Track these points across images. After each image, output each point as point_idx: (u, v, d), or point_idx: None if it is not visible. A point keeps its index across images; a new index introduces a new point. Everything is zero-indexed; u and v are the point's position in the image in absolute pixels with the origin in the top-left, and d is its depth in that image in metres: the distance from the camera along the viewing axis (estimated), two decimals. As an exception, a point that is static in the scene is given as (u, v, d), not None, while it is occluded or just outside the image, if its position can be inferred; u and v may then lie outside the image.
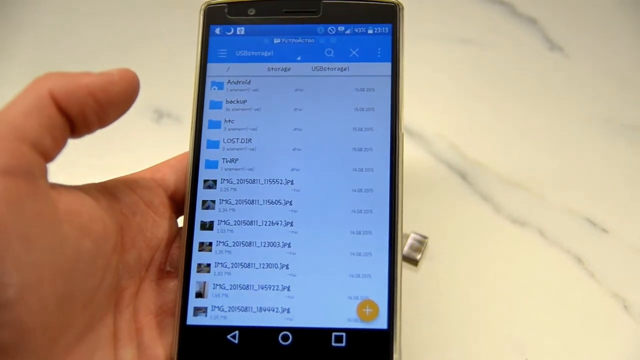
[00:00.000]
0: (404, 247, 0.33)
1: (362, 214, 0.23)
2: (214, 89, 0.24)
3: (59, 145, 0.18)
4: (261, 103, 0.24)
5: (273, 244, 0.23)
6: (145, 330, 0.21)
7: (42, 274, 0.16)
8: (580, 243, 0.34)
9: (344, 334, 0.21)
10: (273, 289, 0.22)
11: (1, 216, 0.15)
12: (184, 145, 0.24)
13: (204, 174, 0.24)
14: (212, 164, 0.24)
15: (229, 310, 0.22)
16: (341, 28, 0.25)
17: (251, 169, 0.24)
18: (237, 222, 0.23)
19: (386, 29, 0.25)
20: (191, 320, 0.22)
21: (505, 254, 0.34)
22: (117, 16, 0.45)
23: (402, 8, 0.25)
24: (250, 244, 0.23)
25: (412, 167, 0.38)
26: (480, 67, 0.41)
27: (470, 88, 0.41)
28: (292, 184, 0.23)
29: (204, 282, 0.22)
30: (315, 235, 0.23)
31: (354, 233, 0.23)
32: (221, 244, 0.23)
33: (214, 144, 0.24)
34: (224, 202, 0.23)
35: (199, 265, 0.22)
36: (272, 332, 0.22)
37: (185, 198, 0.23)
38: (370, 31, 0.25)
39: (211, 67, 0.25)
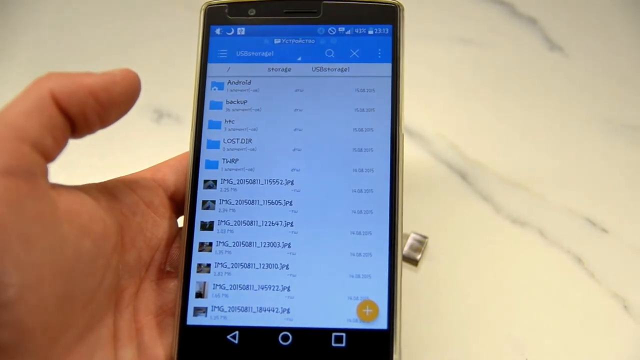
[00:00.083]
0: (404, 247, 0.33)
1: (362, 214, 0.23)
2: (214, 89, 0.24)
3: (59, 146, 0.18)
4: (261, 103, 0.24)
5: (273, 244, 0.23)
6: (145, 330, 0.21)
7: (42, 274, 0.16)
8: (580, 243, 0.34)
9: (344, 334, 0.21)
10: (273, 289, 0.22)
11: (1, 216, 0.15)
12: (184, 145, 0.24)
13: (204, 174, 0.24)
14: (212, 164, 0.24)
15: (229, 311, 0.22)
16: (341, 29, 0.25)
17: (251, 169, 0.24)
18: (237, 223, 0.23)
19: (386, 29, 0.25)
20: (191, 320, 0.22)
21: (505, 254, 0.34)
22: (117, 16, 0.45)
23: (403, 9, 0.25)
24: (250, 244, 0.23)
25: (412, 167, 0.38)
26: (480, 67, 0.41)
27: (470, 88, 0.41)
28: (292, 184, 0.23)
29: (204, 282, 0.22)
30: (315, 236, 0.23)
31: (354, 233, 0.23)
32: (221, 244, 0.23)
33: (214, 144, 0.24)
34: (224, 202, 0.23)
35: (199, 265, 0.23)
36: (272, 333, 0.22)
37: (185, 198, 0.23)
38: (370, 32, 0.25)
39: (211, 68, 0.25)
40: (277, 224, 0.23)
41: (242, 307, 0.22)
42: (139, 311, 0.21)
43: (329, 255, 0.22)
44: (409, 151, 0.38)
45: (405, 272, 0.33)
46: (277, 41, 0.25)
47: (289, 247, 0.23)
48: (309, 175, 0.23)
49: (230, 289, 0.22)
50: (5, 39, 0.44)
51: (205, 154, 0.24)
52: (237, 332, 0.22)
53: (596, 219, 0.35)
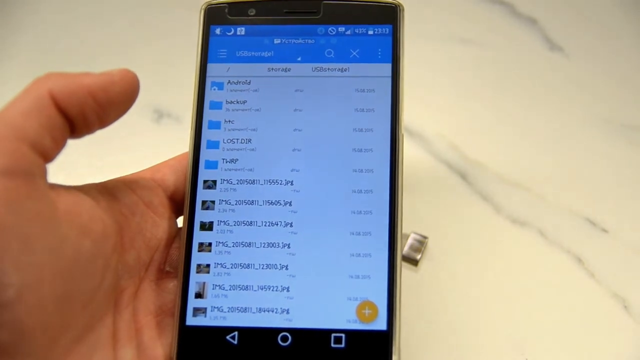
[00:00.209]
0: (404, 247, 0.33)
1: (361, 214, 0.23)
2: (214, 89, 0.24)
3: (58, 146, 0.18)
4: (261, 103, 0.24)
5: (272, 245, 0.23)
6: (145, 330, 0.21)
7: (42, 274, 0.16)
8: (580, 243, 0.34)
9: (343, 335, 0.21)
10: (272, 290, 0.22)
11: (0, 216, 0.15)
12: (184, 146, 0.24)
13: (203, 174, 0.24)
14: (212, 165, 0.24)
15: (228, 311, 0.22)
16: (341, 29, 0.25)
17: (251, 170, 0.24)
18: (237, 223, 0.23)
19: (386, 29, 0.25)
20: (190, 320, 0.22)
21: (505, 254, 0.34)
22: (117, 16, 0.45)
23: (403, 9, 0.25)
24: (249, 244, 0.23)
25: (412, 167, 0.38)
26: (480, 67, 0.41)
27: (470, 88, 0.41)
28: (292, 184, 0.23)
29: (204, 283, 0.22)
30: (314, 236, 0.23)
31: (353, 234, 0.23)
32: (221, 244, 0.23)
33: (213, 144, 0.24)
34: (223, 202, 0.23)
35: (199, 265, 0.22)
36: (271, 333, 0.22)
37: (185, 198, 0.23)
38: (370, 32, 0.25)
39: (211, 68, 0.25)
40: (277, 225, 0.23)
41: (242, 307, 0.22)
42: (139, 311, 0.21)
43: (328, 256, 0.22)
44: (409, 151, 0.38)
45: (405, 272, 0.33)
46: (277, 41, 0.25)
47: (289, 247, 0.23)
48: (309, 175, 0.23)
49: (230, 289, 0.22)
50: (5, 39, 0.44)
51: (205, 154, 0.24)
52: (236, 333, 0.22)
53: (596, 219, 0.35)
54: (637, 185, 0.37)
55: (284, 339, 0.22)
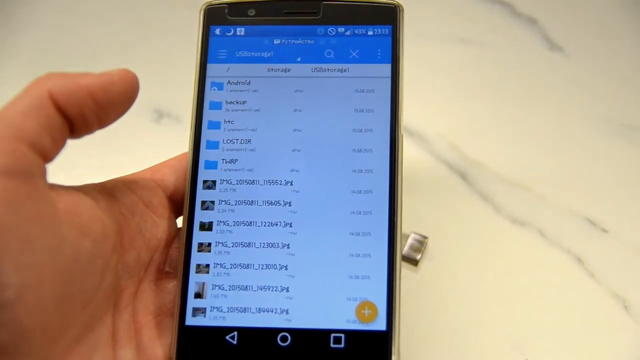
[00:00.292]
0: (404, 247, 0.33)
1: (361, 215, 0.23)
2: (214, 89, 0.24)
3: (58, 146, 0.18)
4: (261, 104, 0.24)
5: (272, 245, 0.23)
6: (144, 330, 0.21)
7: (42, 274, 0.16)
8: (580, 243, 0.34)
9: (342, 335, 0.21)
10: (272, 290, 0.22)
11: (0, 216, 0.15)
12: (184, 146, 0.24)
13: (203, 174, 0.24)
14: (211, 165, 0.24)
15: (227, 311, 0.22)
16: (341, 29, 0.25)
17: (251, 170, 0.24)
18: (237, 223, 0.23)
19: (386, 30, 0.25)
20: (190, 320, 0.22)
21: (505, 254, 0.34)
22: (117, 16, 0.45)
23: (403, 9, 0.25)
24: (249, 244, 0.23)
25: (412, 167, 0.37)
26: (480, 67, 0.41)
27: (470, 88, 0.41)
28: (291, 184, 0.23)
29: (203, 283, 0.22)
30: (314, 236, 0.23)
31: (353, 234, 0.23)
32: (220, 244, 0.23)
33: (213, 145, 0.24)
34: (223, 202, 0.23)
35: (198, 265, 0.22)
36: (270, 333, 0.22)
37: (184, 198, 0.23)
38: (370, 32, 0.25)
39: (211, 68, 0.25)
40: (276, 225, 0.23)
41: (241, 307, 0.22)
42: (138, 311, 0.21)
43: (328, 256, 0.22)
44: (409, 151, 0.38)
45: (405, 272, 0.33)
46: (276, 41, 0.25)
47: (288, 247, 0.23)
48: (308, 175, 0.23)
49: (229, 289, 0.22)
50: (5, 39, 0.44)
51: (205, 155, 0.24)
52: (235, 333, 0.22)
53: (596, 219, 0.35)
54: (637, 185, 0.37)
55: (284, 339, 0.22)
